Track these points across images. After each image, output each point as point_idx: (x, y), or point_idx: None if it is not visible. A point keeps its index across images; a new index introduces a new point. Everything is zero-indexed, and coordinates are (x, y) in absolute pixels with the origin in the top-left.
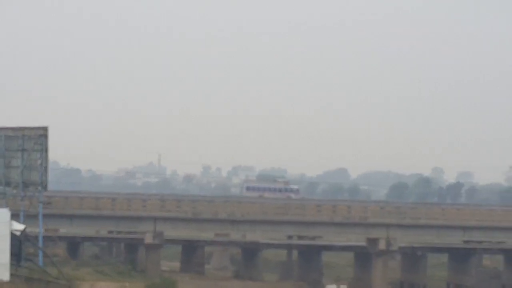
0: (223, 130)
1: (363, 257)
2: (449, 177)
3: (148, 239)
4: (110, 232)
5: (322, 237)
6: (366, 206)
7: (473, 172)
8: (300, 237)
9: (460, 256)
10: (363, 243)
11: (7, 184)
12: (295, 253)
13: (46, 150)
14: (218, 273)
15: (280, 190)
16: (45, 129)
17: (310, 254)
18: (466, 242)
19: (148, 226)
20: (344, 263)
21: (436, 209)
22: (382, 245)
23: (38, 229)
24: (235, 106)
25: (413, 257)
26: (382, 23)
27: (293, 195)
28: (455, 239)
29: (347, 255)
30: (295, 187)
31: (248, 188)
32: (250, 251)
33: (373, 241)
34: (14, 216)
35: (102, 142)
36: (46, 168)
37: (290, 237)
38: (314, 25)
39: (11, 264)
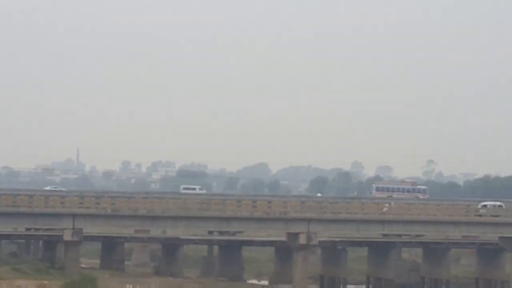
0: (142, 126)
1: (284, 251)
2: (369, 172)
3: (67, 236)
4: (28, 229)
5: (243, 232)
6: (286, 201)
7: (392, 166)
8: (220, 233)
9: (380, 250)
10: (283, 238)
11: None
12: (216, 248)
13: None
14: (139, 270)
15: (408, 191)
16: None
17: (231, 250)
18: (385, 235)
19: (67, 223)
20: (265, 258)
21: (355, 204)
22: (302, 240)
23: None
24: (155, 102)
25: (333, 251)
26: None
27: (420, 195)
28: (375, 233)
29: (268, 250)
30: (423, 187)
31: (377, 189)
32: (171, 247)
33: (293, 236)
34: None
35: (19, 139)
36: None
37: (210, 232)
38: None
39: None
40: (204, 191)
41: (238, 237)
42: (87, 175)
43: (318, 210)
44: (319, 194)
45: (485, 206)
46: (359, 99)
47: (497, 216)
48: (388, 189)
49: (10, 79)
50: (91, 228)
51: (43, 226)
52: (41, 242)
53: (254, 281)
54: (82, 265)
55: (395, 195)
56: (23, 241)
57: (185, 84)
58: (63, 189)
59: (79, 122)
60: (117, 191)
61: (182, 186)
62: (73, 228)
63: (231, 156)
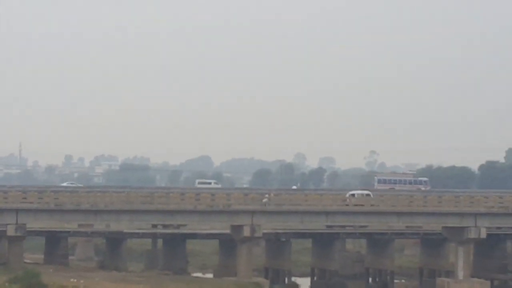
0: (84, 120)
1: (228, 244)
2: (311, 163)
3: (10, 231)
4: None
5: (187, 225)
6: (230, 194)
7: (335, 157)
8: (164, 226)
9: (324, 241)
10: (227, 231)
11: None
12: (160, 242)
13: None
14: (83, 264)
15: (410, 182)
16: None
17: (175, 243)
18: (329, 227)
19: (9, 218)
20: (209, 251)
21: (299, 195)
22: (246, 232)
23: None
24: (97, 95)
25: (277, 243)
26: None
27: (422, 187)
28: (319, 225)
29: (212, 243)
30: (424, 179)
31: (379, 181)
32: (115, 241)
33: (237, 228)
34: None
35: None
36: None
37: (154, 226)
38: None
39: None
40: (219, 185)
41: (182, 230)
42: (30, 170)
43: (261, 202)
44: (294, 187)
45: (353, 195)
46: (301, 92)
47: (362, 205)
48: (390, 181)
49: None
50: (34, 223)
51: None
52: None
53: (199, 274)
54: (26, 260)
55: (397, 187)
56: None
57: (127, 76)
58: (79, 185)
59: (21, 116)
60: (60, 186)
61: (197, 181)
62: (17, 223)
63: (174, 149)
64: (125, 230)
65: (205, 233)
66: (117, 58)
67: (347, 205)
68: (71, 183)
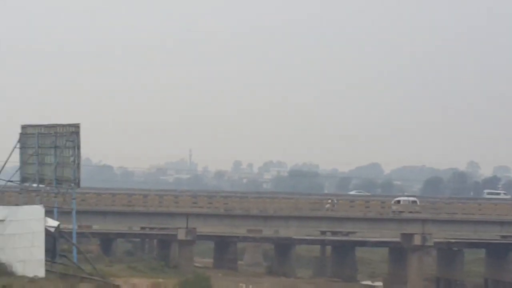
0: (254, 126)
1: (398, 252)
2: (485, 172)
3: (181, 235)
4: (143, 228)
5: (356, 232)
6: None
7: (510, 166)
8: (333, 233)
9: (498, 252)
10: (397, 239)
11: (41, 181)
12: (328, 249)
13: (78, 147)
14: (251, 269)
15: None
16: (77, 126)
17: (344, 250)
18: (503, 237)
19: (180, 223)
20: (378, 259)
21: (472, 204)
22: (417, 241)
23: (72, 226)
24: (268, 102)
25: (449, 253)
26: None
27: None
28: (493, 234)
29: (381, 251)
30: None
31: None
32: (283, 247)
33: (407, 237)
34: (48, 213)
35: (134, 139)
36: (78, 165)
37: (323, 232)
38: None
39: (46, 261)
40: (509, 196)
41: (351, 238)
42: (199, 175)
43: (433, 211)
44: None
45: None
46: (474, 99)
47: None
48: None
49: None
50: (204, 228)
51: (158, 225)
52: (155, 241)
53: (368, 282)
54: (196, 264)
55: None
56: (138, 239)
57: (298, 85)
58: (367, 193)
59: (192, 123)
60: (230, 191)
61: (486, 191)
62: (187, 228)
63: (343, 156)
64: (293, 236)
65: (375, 240)
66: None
67: None
68: (359, 192)
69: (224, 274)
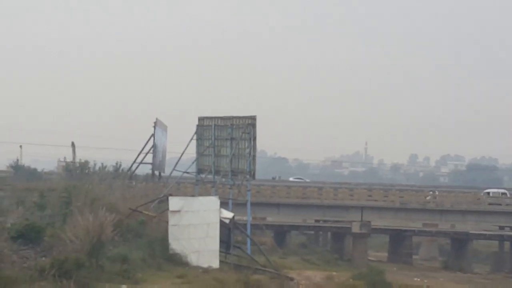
0: (432, 120)
1: None
2: None
3: (355, 228)
4: (317, 221)
5: None
6: None
7: None
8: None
9: None
10: None
11: (217, 172)
12: (507, 244)
13: (254, 139)
14: (426, 264)
15: None
16: (253, 118)
17: None
18: None
19: (355, 216)
20: None
21: None
22: None
23: (246, 217)
24: (443, 96)
25: None
26: None
27: None
28: None
29: None
30: None
31: None
32: (460, 242)
33: None
34: (223, 204)
35: (309, 132)
36: (254, 157)
37: (501, 228)
38: None
39: (220, 251)
40: None
41: None
42: (375, 168)
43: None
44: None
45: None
46: None
47: None
48: None
49: None
50: (379, 221)
51: (332, 218)
52: (329, 233)
53: None
54: (370, 258)
55: None
56: (312, 232)
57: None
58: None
59: (368, 116)
60: (405, 184)
61: None
62: (361, 221)
63: None
64: (470, 231)
65: None
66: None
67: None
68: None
69: (399, 268)
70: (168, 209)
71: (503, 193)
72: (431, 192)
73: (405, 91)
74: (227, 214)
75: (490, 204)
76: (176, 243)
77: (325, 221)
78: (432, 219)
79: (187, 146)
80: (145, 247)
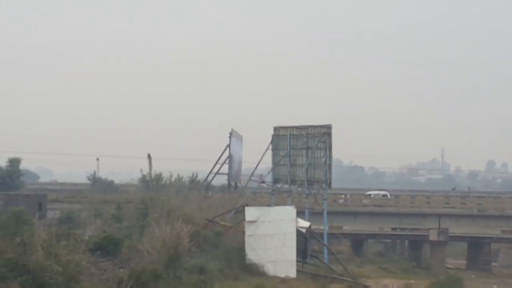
0: (507, 126)
1: None
2: None
3: (433, 236)
4: (394, 229)
5: None
6: None
7: None
8: None
9: None
10: None
11: (292, 181)
12: None
13: (330, 148)
14: (506, 271)
15: None
16: (328, 127)
17: None
18: None
19: (432, 223)
20: None
21: None
22: None
23: (323, 226)
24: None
25: None
26: None
27: None
28: None
29: None
30: None
31: None
32: None
33: None
34: (299, 214)
35: (385, 140)
36: (330, 166)
37: None
38: None
39: (297, 261)
40: None
41: None
42: (452, 175)
43: None
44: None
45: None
46: None
47: None
48: None
49: None
50: (456, 228)
51: (409, 225)
52: (406, 241)
53: None
54: (448, 265)
55: None
56: (389, 240)
57: None
58: None
59: (444, 122)
60: (483, 191)
61: None
62: (439, 228)
63: None
64: None
65: None
66: None
67: None
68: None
69: (478, 276)
70: (244, 219)
71: None
72: (343, 196)
73: (481, 97)
74: (304, 224)
75: None
76: (253, 253)
77: (402, 229)
78: (511, 226)
79: (263, 156)
80: (221, 258)
